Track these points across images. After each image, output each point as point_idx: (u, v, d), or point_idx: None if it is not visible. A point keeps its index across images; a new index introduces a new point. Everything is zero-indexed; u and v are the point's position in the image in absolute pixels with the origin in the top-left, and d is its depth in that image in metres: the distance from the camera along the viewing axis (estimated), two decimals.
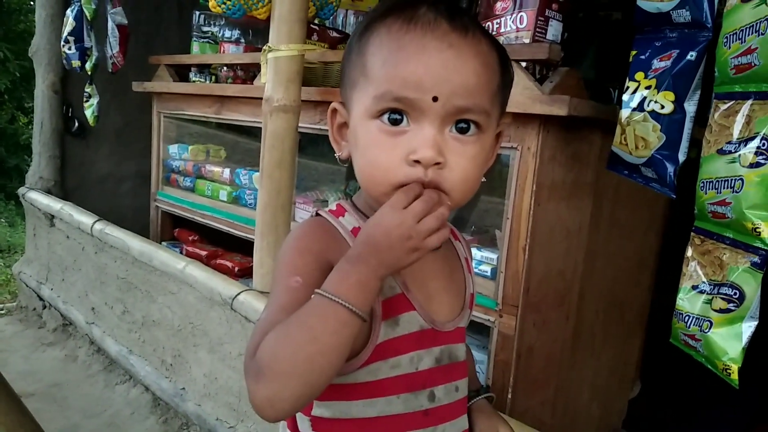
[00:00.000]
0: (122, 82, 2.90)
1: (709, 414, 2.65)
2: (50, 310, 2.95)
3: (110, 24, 2.61)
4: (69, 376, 2.49)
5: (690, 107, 1.16)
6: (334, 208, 0.80)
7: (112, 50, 2.63)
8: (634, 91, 1.24)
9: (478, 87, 0.67)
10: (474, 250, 1.66)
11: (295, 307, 0.64)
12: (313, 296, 0.64)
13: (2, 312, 3.20)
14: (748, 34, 1.02)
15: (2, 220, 5.48)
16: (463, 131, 0.68)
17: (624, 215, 1.83)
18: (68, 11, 2.62)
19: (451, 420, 0.79)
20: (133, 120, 3.35)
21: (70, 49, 2.61)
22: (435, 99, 0.65)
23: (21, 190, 3.12)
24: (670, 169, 1.19)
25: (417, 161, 0.66)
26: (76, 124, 3.14)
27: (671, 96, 1.16)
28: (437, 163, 0.66)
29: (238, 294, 1.82)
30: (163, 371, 2.21)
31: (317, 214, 0.79)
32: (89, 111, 2.81)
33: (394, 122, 0.67)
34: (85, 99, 2.82)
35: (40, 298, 3.02)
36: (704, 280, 1.13)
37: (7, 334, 2.91)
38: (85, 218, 2.57)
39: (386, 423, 0.74)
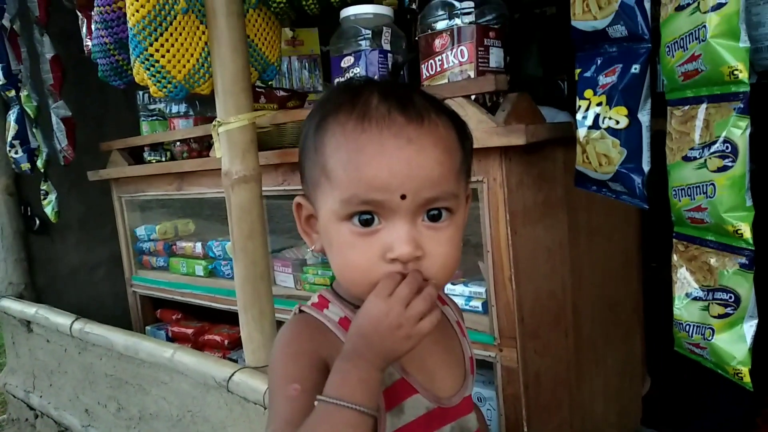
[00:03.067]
0: (78, 171, 2.84)
1: (722, 392, 2.64)
2: (43, 419, 2.83)
3: (54, 119, 2.56)
4: None
5: (644, 117, 1.16)
6: (316, 300, 0.78)
7: (60, 144, 2.58)
8: (587, 109, 1.24)
9: (442, 175, 0.67)
10: (461, 287, 1.64)
11: (299, 417, 0.62)
12: (316, 404, 0.61)
13: None
14: (689, 42, 1.02)
15: None
16: (435, 218, 0.68)
17: (600, 220, 1.83)
18: (8, 115, 2.57)
19: None
20: (95, 205, 3.27)
21: (17, 153, 2.56)
22: (403, 197, 0.64)
23: None
24: (638, 180, 1.19)
25: (396, 258, 0.65)
26: (37, 222, 3.07)
27: (624, 110, 1.16)
28: (416, 257, 0.66)
29: (232, 375, 1.77)
30: None
31: (300, 311, 0.77)
32: (49, 208, 2.75)
33: (365, 223, 0.66)
34: (42, 197, 2.76)
35: (31, 408, 2.90)
36: (696, 286, 1.12)
37: None
38: (62, 319, 2.48)
39: None
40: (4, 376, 3.11)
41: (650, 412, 2.24)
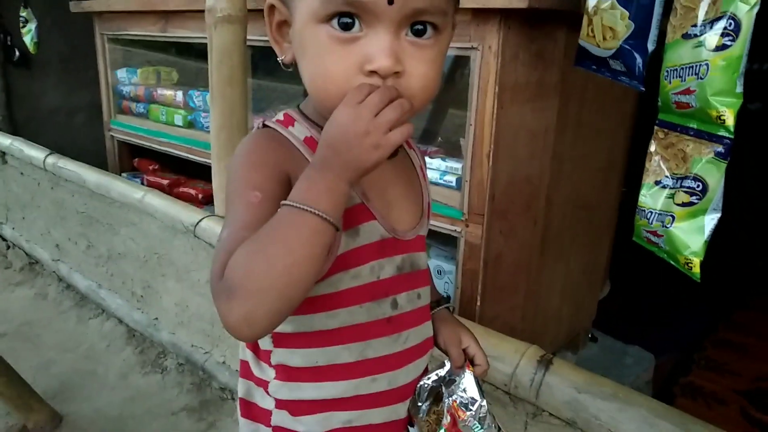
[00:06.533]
0: (62, 5, 2.69)
1: (676, 310, 2.74)
2: (14, 250, 2.87)
3: None
4: (40, 314, 2.46)
5: None
6: (281, 117, 0.74)
7: None
8: None
9: None
10: (439, 161, 1.62)
11: (258, 223, 0.60)
12: (281, 207, 0.60)
13: None
14: None
15: None
16: (419, 34, 0.62)
17: (591, 115, 1.78)
18: None
19: (414, 327, 0.78)
20: (79, 46, 3.13)
21: None
22: (391, 2, 0.59)
23: None
24: (639, 59, 1.13)
25: (374, 71, 0.60)
26: (17, 53, 2.95)
27: None
28: (395, 72, 0.61)
29: (200, 220, 1.77)
30: (134, 303, 2.19)
31: (264, 125, 0.74)
32: (28, 37, 2.63)
33: (345, 27, 0.61)
34: (21, 24, 2.63)
35: (3, 238, 2.94)
36: (667, 174, 1.10)
37: None
38: (36, 153, 2.45)
39: (349, 332, 0.73)
40: None
41: (603, 316, 2.31)
